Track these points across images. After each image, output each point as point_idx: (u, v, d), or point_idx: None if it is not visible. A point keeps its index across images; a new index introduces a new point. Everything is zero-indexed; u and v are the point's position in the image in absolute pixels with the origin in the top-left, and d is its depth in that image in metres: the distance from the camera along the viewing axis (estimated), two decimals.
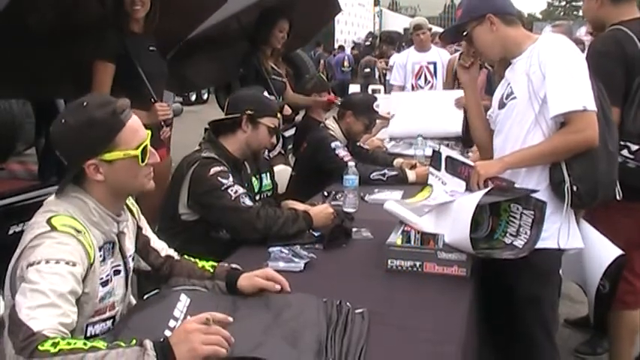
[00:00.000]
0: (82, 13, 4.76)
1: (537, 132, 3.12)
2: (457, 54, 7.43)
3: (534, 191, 3.05)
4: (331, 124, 5.35)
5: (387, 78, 12.09)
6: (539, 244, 3.03)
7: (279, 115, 3.89)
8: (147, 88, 4.57)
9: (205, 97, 20.15)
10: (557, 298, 3.39)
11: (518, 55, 3.24)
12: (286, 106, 6.00)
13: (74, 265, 2.09)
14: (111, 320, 2.38)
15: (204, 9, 5.67)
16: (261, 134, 3.77)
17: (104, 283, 2.32)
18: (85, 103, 2.27)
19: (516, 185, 3.12)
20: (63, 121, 2.25)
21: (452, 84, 7.45)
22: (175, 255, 2.79)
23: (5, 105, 6.10)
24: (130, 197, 2.60)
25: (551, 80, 3.04)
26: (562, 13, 76.72)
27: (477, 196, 2.95)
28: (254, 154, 3.87)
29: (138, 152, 2.32)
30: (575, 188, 3.04)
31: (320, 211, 3.58)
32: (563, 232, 3.14)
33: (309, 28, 7.37)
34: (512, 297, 3.25)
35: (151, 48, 4.79)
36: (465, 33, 3.36)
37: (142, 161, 2.34)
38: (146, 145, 2.35)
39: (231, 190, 3.44)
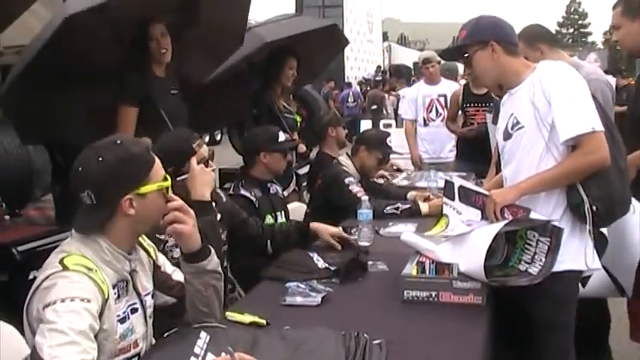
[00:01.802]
0: (105, 59, 4.88)
1: (549, 158, 3.15)
2: (461, 87, 7.48)
3: (551, 221, 3.08)
4: (344, 160, 5.40)
5: (399, 112, 12.19)
6: (559, 267, 3.06)
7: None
8: (170, 130, 4.64)
9: (218, 137, 20.28)
10: (573, 323, 3.34)
11: (516, 85, 3.28)
12: (300, 145, 6.06)
13: (89, 301, 2.14)
14: (136, 358, 2.43)
15: (221, 52, 5.76)
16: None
17: (121, 320, 2.37)
18: (118, 141, 2.38)
19: (534, 212, 3.12)
20: (100, 159, 2.31)
21: (456, 116, 7.48)
22: None
23: (22, 151, 6.17)
24: (146, 237, 2.66)
25: (558, 106, 3.08)
26: (570, 41, 76.89)
27: (495, 228, 2.99)
28: None
29: (168, 183, 2.46)
30: (594, 208, 3.07)
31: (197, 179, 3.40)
32: (588, 251, 3.17)
33: (318, 63, 7.45)
34: (528, 323, 3.24)
35: (172, 91, 4.88)
36: (465, 55, 3.39)
37: (168, 192, 2.47)
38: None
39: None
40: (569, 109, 3.07)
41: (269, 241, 3.97)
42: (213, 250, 2.69)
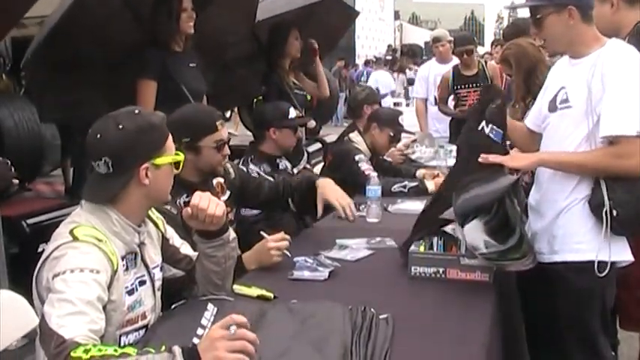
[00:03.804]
0: (121, 36, 4.89)
1: (587, 149, 2.98)
2: (450, 70, 7.46)
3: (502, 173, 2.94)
4: (356, 137, 5.37)
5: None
6: (576, 257, 2.98)
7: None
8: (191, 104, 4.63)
9: (228, 114, 20.20)
10: (607, 312, 3.13)
11: (580, 57, 3.03)
12: (310, 120, 6.02)
13: (98, 272, 2.16)
14: (144, 330, 2.45)
15: (237, 24, 5.77)
16: (205, 158, 3.43)
17: (130, 292, 2.38)
18: (136, 111, 2.41)
19: (566, 193, 3.02)
20: (120, 126, 2.32)
21: (447, 99, 7.48)
22: None
23: (33, 126, 6.20)
24: (155, 210, 2.66)
25: (609, 97, 2.85)
26: None
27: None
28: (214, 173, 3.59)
29: (181, 157, 2.49)
30: (615, 213, 2.89)
31: (257, 250, 3.29)
32: (610, 242, 2.96)
33: (329, 37, 7.38)
34: (553, 316, 3.13)
35: (191, 64, 4.88)
36: (537, 17, 3.09)
37: (179, 168, 2.51)
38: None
39: None
40: (620, 104, 2.84)
41: (290, 200, 3.87)
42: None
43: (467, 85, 7.21)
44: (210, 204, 2.57)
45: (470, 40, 7.59)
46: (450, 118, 7.54)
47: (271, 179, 3.89)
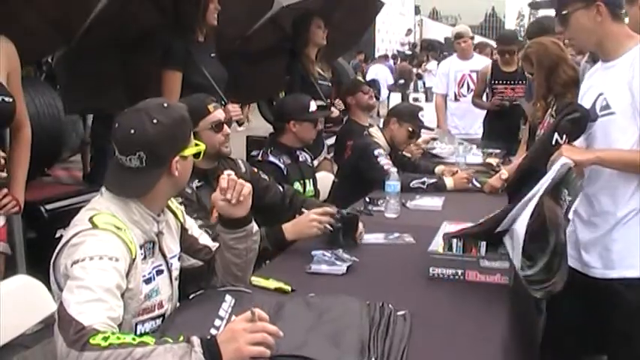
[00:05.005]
0: (143, 25, 4.90)
1: None
2: (488, 65, 7.43)
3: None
4: (375, 132, 5.37)
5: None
6: (634, 274, 2.84)
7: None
8: (217, 92, 4.63)
9: None
10: None
11: (614, 57, 2.90)
12: (333, 109, 6.00)
13: (117, 260, 2.15)
14: (160, 319, 2.44)
15: (252, 14, 5.77)
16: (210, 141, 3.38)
17: (147, 281, 2.38)
18: (165, 104, 2.40)
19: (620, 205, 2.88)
20: (155, 121, 2.30)
21: (482, 93, 7.44)
22: None
23: (54, 112, 6.22)
24: (174, 200, 2.66)
25: None
26: None
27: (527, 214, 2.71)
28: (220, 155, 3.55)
29: (203, 147, 2.51)
30: None
31: (297, 221, 3.43)
32: None
33: (355, 28, 7.37)
34: (601, 330, 3.02)
35: (212, 54, 4.89)
36: (564, 12, 2.95)
37: (198, 157, 2.52)
38: None
39: None
40: None
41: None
42: None
43: (505, 82, 7.16)
44: (238, 180, 2.59)
45: (513, 40, 7.54)
46: (483, 117, 7.48)
47: (281, 188, 3.90)
